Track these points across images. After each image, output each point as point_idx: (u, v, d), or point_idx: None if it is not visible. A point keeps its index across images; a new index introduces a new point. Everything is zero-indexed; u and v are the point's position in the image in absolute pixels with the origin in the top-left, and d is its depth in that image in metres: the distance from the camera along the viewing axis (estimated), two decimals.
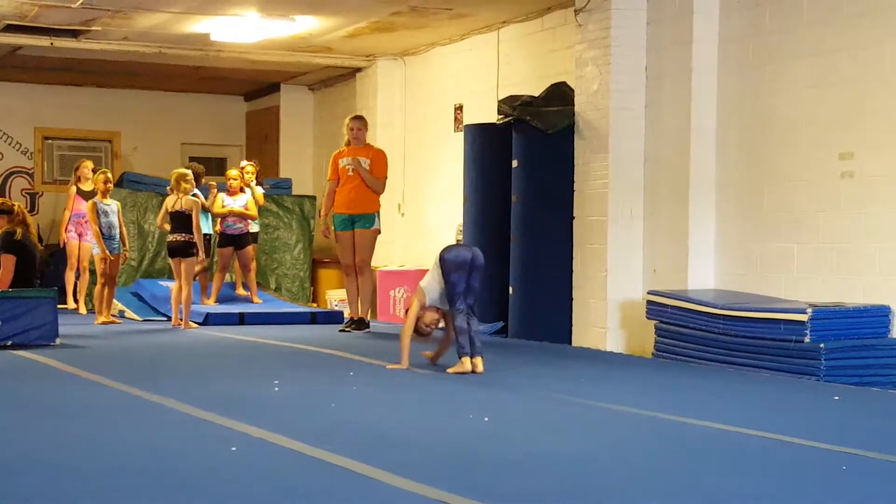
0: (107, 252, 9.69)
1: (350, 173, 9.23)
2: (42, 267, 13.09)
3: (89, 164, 11.44)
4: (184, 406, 5.23)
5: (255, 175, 11.37)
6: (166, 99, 15.33)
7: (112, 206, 9.88)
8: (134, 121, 15.17)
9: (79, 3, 9.87)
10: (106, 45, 11.77)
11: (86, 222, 11.06)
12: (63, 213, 11.39)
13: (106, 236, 9.73)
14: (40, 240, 14.19)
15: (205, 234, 9.91)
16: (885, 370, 6.77)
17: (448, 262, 6.58)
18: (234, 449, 4.24)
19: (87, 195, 11.09)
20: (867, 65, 7.03)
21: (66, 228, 11.24)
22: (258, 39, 11.37)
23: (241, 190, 10.95)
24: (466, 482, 3.78)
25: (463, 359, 6.45)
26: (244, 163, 11.61)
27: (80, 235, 11.17)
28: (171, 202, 9.50)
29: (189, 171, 9.77)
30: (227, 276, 11.65)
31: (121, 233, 9.93)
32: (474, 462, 4.10)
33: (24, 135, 14.88)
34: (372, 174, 9.21)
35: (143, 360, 7.41)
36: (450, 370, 6.50)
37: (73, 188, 11.31)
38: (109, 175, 10.01)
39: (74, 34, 11.39)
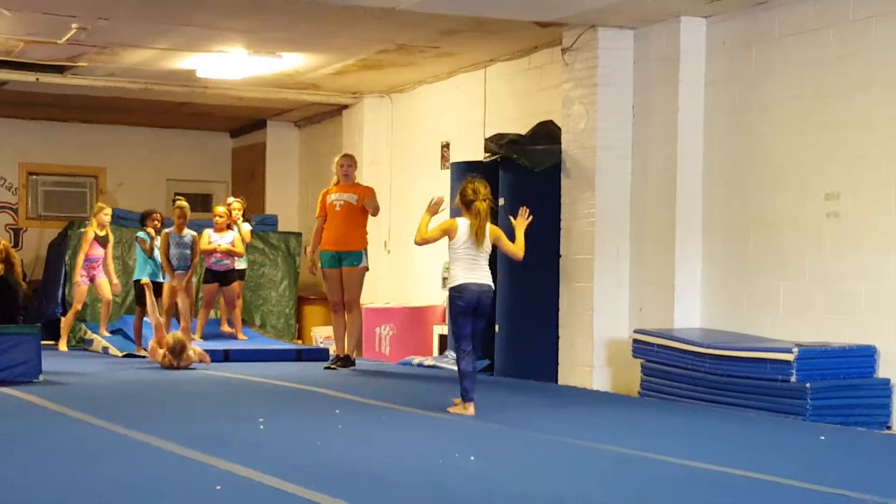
0: (177, 280, 9.93)
1: (337, 209, 9.23)
2: (26, 303, 13.05)
3: (109, 211, 11.20)
4: (168, 444, 5.17)
5: (241, 212, 11.35)
6: (152, 135, 15.33)
7: (186, 237, 10.09)
8: (119, 157, 15.15)
9: (65, 39, 9.88)
10: (92, 81, 11.77)
11: (98, 266, 11.03)
12: (77, 255, 11.18)
13: (175, 266, 9.98)
14: (24, 276, 14.15)
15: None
16: (871, 410, 6.77)
17: (454, 304, 6.48)
18: (218, 488, 4.19)
19: (101, 240, 11.02)
20: (852, 107, 7.10)
21: (80, 272, 11.03)
22: (244, 76, 11.40)
23: (228, 227, 10.93)
24: None
25: (466, 403, 6.39)
26: (231, 199, 11.59)
27: (91, 279, 11.04)
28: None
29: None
30: (212, 313, 11.59)
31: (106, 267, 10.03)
32: (459, 501, 4.06)
33: (9, 170, 14.83)
34: (361, 201, 9.23)
35: (126, 398, 7.34)
36: (451, 409, 6.45)
37: (91, 232, 10.99)
38: (185, 208, 10.20)
39: (60, 70, 11.39)
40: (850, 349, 6.85)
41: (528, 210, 6.67)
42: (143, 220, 10.53)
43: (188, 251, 9.99)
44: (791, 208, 7.51)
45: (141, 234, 10.38)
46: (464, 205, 6.51)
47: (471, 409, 6.36)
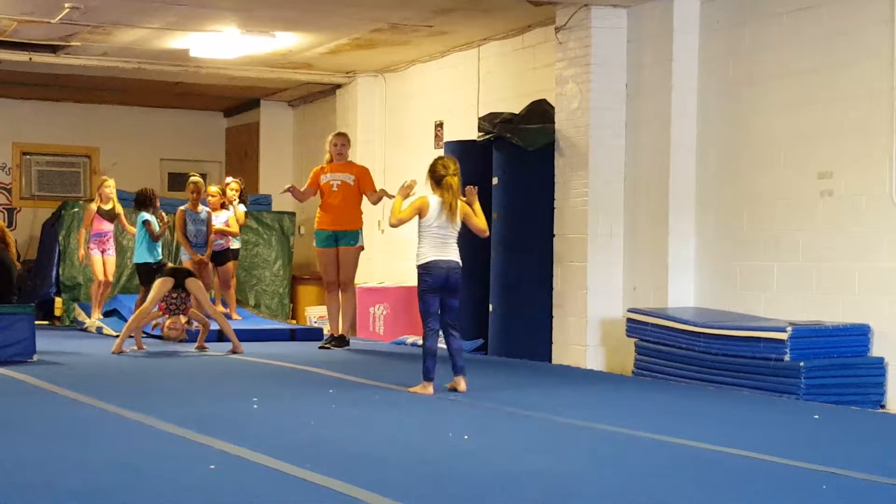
0: (198, 256, 9.95)
1: (335, 189, 9.21)
2: (20, 283, 13.02)
3: (112, 183, 11.06)
4: (161, 423, 5.18)
5: (238, 192, 11.29)
6: (145, 114, 15.28)
7: (202, 213, 10.06)
8: (113, 136, 15.10)
9: (58, 18, 9.83)
10: (85, 61, 11.72)
11: (108, 240, 10.95)
12: (80, 230, 11.12)
13: (193, 243, 9.96)
14: (18, 256, 14.12)
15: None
16: (865, 389, 6.79)
17: (423, 281, 6.51)
18: (212, 467, 4.20)
19: (107, 214, 10.94)
20: (845, 84, 7.09)
21: (89, 246, 10.93)
22: (238, 55, 11.35)
23: (223, 206, 10.89)
24: (445, 500, 3.76)
25: (427, 383, 6.37)
26: (229, 179, 11.53)
27: (102, 252, 10.97)
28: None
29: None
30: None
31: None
32: (453, 480, 4.08)
33: (2, 150, 14.79)
34: (363, 189, 9.23)
35: (120, 377, 7.35)
36: (410, 389, 6.44)
37: (94, 206, 10.92)
38: (200, 184, 10.15)
39: (53, 49, 11.34)
40: (844, 328, 6.87)
41: (476, 187, 6.67)
42: (144, 202, 10.26)
43: (204, 227, 9.97)
44: (785, 186, 7.51)
45: (147, 216, 10.16)
46: (434, 181, 6.51)
47: (430, 389, 6.35)
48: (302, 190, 9.30)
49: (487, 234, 6.86)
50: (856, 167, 7.02)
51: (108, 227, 10.97)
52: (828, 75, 7.20)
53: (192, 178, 10.22)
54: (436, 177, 6.49)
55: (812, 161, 7.30)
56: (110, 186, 11.00)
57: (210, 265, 10.21)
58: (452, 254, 6.50)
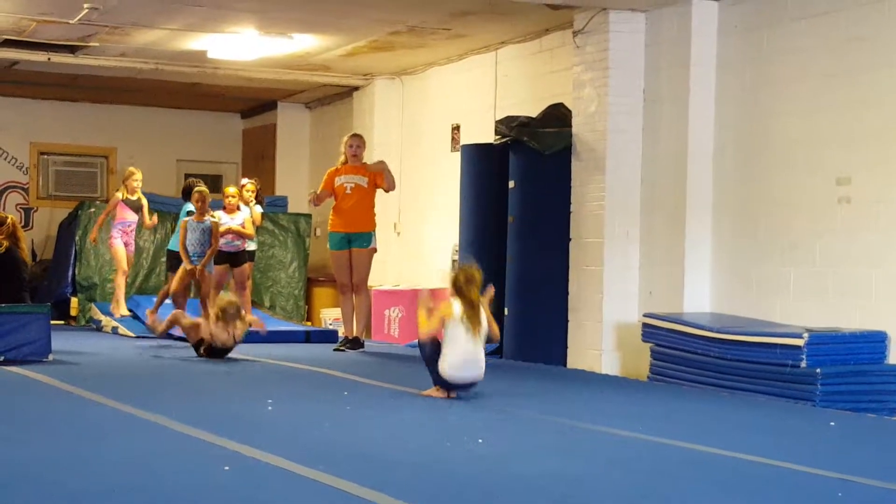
0: (191, 266, 9.63)
1: (349, 191, 9.22)
2: (35, 282, 13.08)
3: (139, 176, 10.97)
4: (176, 424, 5.19)
5: (254, 193, 11.26)
6: (163, 115, 15.33)
7: (206, 222, 9.74)
8: (130, 137, 15.16)
9: (77, 18, 9.88)
10: (103, 61, 11.78)
11: (131, 232, 10.95)
12: (100, 215, 11.11)
13: (191, 252, 9.67)
14: (34, 255, 14.18)
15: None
16: (881, 396, 6.75)
17: (437, 377, 6.26)
18: (226, 468, 4.20)
19: (132, 204, 10.95)
20: (863, 89, 7.05)
21: (112, 234, 10.87)
22: (255, 57, 11.38)
23: (238, 207, 10.88)
24: (459, 503, 3.75)
25: (438, 385, 6.23)
26: (245, 180, 11.47)
27: (126, 245, 10.95)
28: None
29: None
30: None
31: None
32: (468, 484, 4.07)
33: (20, 150, 14.86)
34: (377, 184, 9.21)
35: (136, 377, 7.37)
36: (424, 392, 6.34)
37: (119, 194, 10.91)
38: (205, 193, 9.82)
39: (72, 50, 11.39)
40: (861, 335, 6.82)
41: (492, 291, 6.39)
42: (190, 192, 10.17)
43: (206, 237, 9.78)
44: (802, 192, 7.47)
45: (191, 206, 10.04)
46: (455, 291, 6.25)
47: (443, 392, 6.24)
48: (318, 194, 9.30)
49: (498, 340, 6.75)
50: (874, 173, 6.98)
51: (132, 217, 10.99)
52: (846, 80, 7.16)
53: (197, 188, 10.00)
54: (457, 287, 6.23)
55: (830, 166, 7.26)
56: (138, 179, 11.01)
57: (205, 273, 10.02)
58: (477, 368, 6.23)
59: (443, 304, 6.29)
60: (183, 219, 10.02)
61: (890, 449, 5.29)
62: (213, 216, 9.92)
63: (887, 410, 6.68)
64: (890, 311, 6.83)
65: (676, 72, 8.22)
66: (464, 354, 6.19)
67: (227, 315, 8.31)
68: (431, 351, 6.27)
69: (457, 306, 6.21)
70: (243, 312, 8.63)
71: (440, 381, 6.26)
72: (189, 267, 9.64)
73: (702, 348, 7.32)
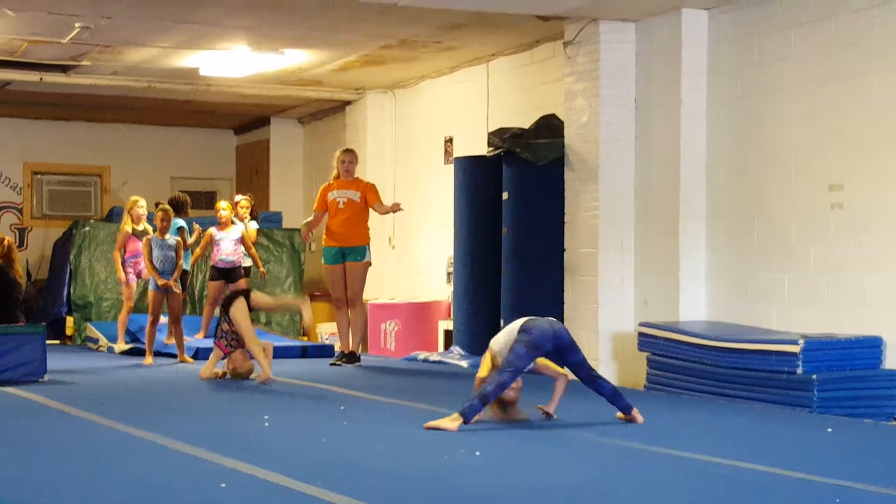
0: (163, 280, 9.40)
1: (341, 206, 9.23)
2: (30, 302, 13.06)
3: (143, 203, 10.69)
4: (173, 442, 5.17)
5: (249, 209, 11.25)
6: (156, 133, 15.34)
7: (169, 240, 9.54)
8: (124, 155, 15.16)
9: (68, 38, 9.89)
10: (95, 80, 11.79)
11: (142, 262, 10.81)
12: (114, 252, 10.89)
13: (160, 270, 9.47)
14: (28, 275, 14.16)
15: (183, 271, 9.89)
16: (878, 402, 6.75)
17: (524, 336, 5.78)
18: (223, 486, 4.19)
19: (140, 234, 10.76)
20: (855, 96, 7.08)
21: (126, 271, 10.61)
22: (248, 73, 11.40)
23: (232, 222, 10.83)
24: None
25: (459, 417, 5.61)
26: (238, 197, 11.47)
27: (138, 275, 10.69)
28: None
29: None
30: (219, 311, 11.55)
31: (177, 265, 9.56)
32: (465, 497, 4.06)
33: (14, 170, 14.86)
34: (369, 203, 9.23)
35: (132, 397, 7.35)
36: (432, 424, 5.70)
37: (128, 227, 10.57)
38: (168, 212, 9.62)
39: (64, 69, 11.40)
40: (857, 340, 6.83)
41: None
42: (179, 207, 10.03)
43: (172, 253, 9.51)
44: (795, 199, 7.49)
45: (181, 223, 9.94)
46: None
47: (456, 425, 5.61)
48: (313, 220, 9.32)
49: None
50: (866, 179, 7.00)
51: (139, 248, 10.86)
52: (837, 87, 7.18)
53: (160, 206, 9.80)
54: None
55: (823, 173, 7.28)
56: (142, 206, 10.80)
57: (180, 292, 9.89)
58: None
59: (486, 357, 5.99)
60: (180, 225, 9.96)
61: (887, 454, 5.29)
62: (178, 238, 9.77)
63: (884, 416, 6.68)
64: (885, 316, 6.84)
65: (668, 81, 8.24)
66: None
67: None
68: (519, 359, 5.73)
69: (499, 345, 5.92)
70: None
71: (530, 338, 5.72)
72: (161, 282, 9.41)
73: (698, 356, 7.33)
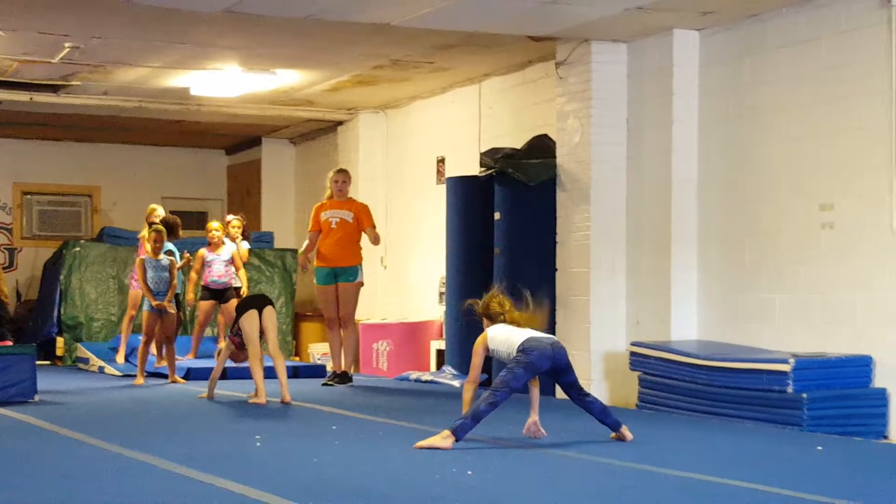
0: (157, 301, 9.36)
1: (334, 226, 9.23)
2: (20, 322, 13.02)
3: (160, 213, 10.69)
4: (165, 463, 5.15)
5: (241, 230, 11.21)
6: (147, 153, 15.34)
7: (163, 261, 9.51)
8: (114, 175, 15.15)
9: (58, 58, 9.90)
10: (86, 100, 11.79)
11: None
12: (138, 255, 10.47)
13: (154, 291, 9.44)
14: (18, 295, 14.11)
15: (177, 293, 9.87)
16: (868, 420, 6.77)
17: (522, 357, 5.79)
18: None
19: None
20: (845, 117, 7.12)
21: (132, 277, 10.59)
22: (239, 93, 11.41)
23: (223, 242, 10.80)
24: None
25: (451, 435, 5.61)
26: (230, 217, 11.44)
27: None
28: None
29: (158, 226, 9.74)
30: (209, 331, 11.54)
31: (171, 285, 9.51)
32: None
33: (3, 190, 14.84)
34: (362, 226, 9.24)
35: (123, 417, 7.32)
36: (424, 444, 5.64)
37: (145, 233, 10.46)
38: (162, 233, 9.58)
39: (54, 89, 11.41)
40: (847, 359, 6.85)
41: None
42: (170, 230, 10.00)
43: (166, 274, 9.51)
44: (786, 218, 7.52)
45: (171, 246, 9.93)
46: (489, 319, 6.04)
47: (449, 443, 5.62)
48: (309, 244, 9.33)
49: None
50: (856, 199, 7.04)
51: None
52: (828, 108, 7.23)
53: (154, 227, 9.78)
54: (491, 313, 6.06)
55: (813, 193, 7.32)
56: (159, 215, 10.70)
57: (175, 312, 9.85)
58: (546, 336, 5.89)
59: (480, 339, 6.01)
60: (168, 249, 9.91)
61: (876, 472, 5.29)
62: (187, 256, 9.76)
63: (874, 434, 6.70)
64: (875, 336, 6.87)
65: (659, 101, 8.28)
66: (531, 332, 5.84)
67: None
68: (513, 378, 5.73)
69: (491, 330, 5.95)
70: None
71: (528, 360, 5.72)
72: (155, 303, 9.39)
73: (689, 376, 7.33)
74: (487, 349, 6.02)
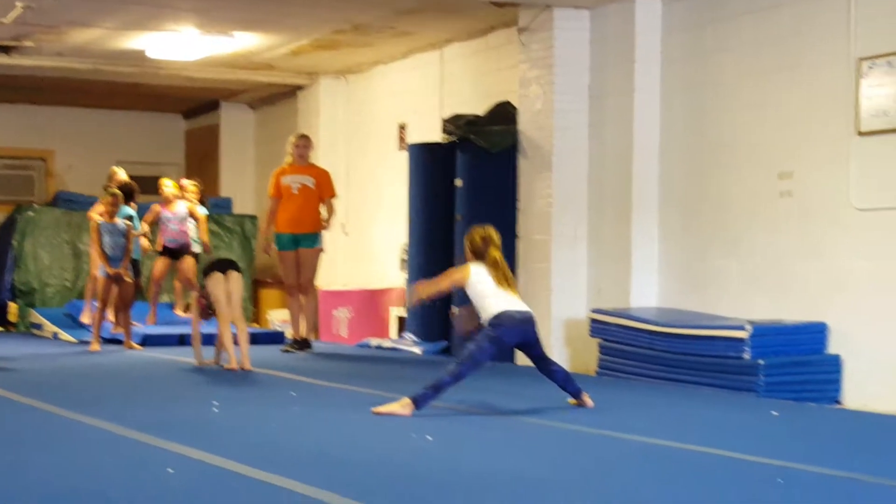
0: (113, 269, 9.19)
1: (295, 192, 9.15)
2: None
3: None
4: (119, 429, 5.10)
5: (197, 195, 11.04)
6: (103, 116, 15.08)
7: (120, 225, 9.30)
8: (69, 139, 14.89)
9: (11, 18, 9.67)
10: (40, 62, 11.55)
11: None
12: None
13: (109, 256, 9.23)
14: None
15: (134, 259, 9.74)
16: (822, 386, 6.85)
17: (491, 330, 5.72)
18: (170, 471, 4.13)
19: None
20: (805, 85, 7.14)
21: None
22: (197, 56, 11.24)
23: (175, 197, 10.60)
24: (408, 500, 3.73)
25: (411, 403, 5.59)
26: (186, 181, 11.25)
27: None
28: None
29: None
30: (167, 297, 11.42)
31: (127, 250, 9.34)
32: (416, 481, 4.04)
33: None
34: (322, 195, 9.16)
35: (77, 382, 7.24)
36: (382, 409, 5.61)
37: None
38: (119, 197, 9.40)
39: (6, 50, 11.16)
40: (802, 326, 6.92)
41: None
42: (128, 194, 9.86)
43: (122, 239, 9.29)
44: (745, 187, 7.55)
45: (131, 212, 9.75)
46: (474, 253, 5.86)
47: (408, 410, 5.60)
48: (270, 213, 9.19)
49: None
50: (815, 168, 7.08)
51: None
52: (788, 76, 7.25)
53: (109, 190, 9.57)
54: (475, 248, 5.89)
55: (772, 161, 7.35)
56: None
57: (132, 280, 9.70)
58: (523, 304, 5.85)
59: (458, 269, 5.90)
60: (128, 214, 9.71)
61: (829, 436, 5.37)
62: (128, 222, 9.54)
63: (827, 399, 6.78)
64: (829, 303, 6.94)
65: (621, 69, 8.26)
66: (506, 295, 5.75)
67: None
68: (481, 353, 5.70)
69: (475, 267, 5.83)
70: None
71: (496, 335, 5.69)
72: (111, 271, 9.22)
73: (648, 342, 7.38)
74: (461, 286, 5.85)
